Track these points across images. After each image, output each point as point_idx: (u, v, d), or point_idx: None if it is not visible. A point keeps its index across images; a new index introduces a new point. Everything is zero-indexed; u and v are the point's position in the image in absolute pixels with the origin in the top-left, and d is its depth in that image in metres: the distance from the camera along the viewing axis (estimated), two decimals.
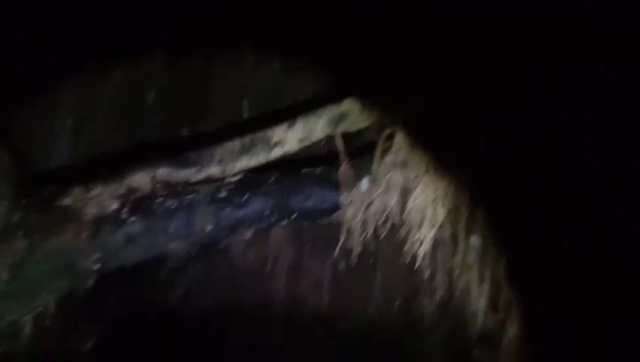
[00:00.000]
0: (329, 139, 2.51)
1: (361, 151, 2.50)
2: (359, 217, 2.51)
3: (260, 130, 2.44)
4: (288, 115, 2.46)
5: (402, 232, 2.53)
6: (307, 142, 2.47)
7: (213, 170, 2.41)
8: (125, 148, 2.45)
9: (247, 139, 2.43)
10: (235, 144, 2.42)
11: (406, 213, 2.48)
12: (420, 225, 2.49)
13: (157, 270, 3.18)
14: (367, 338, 3.34)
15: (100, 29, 2.29)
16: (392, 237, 2.61)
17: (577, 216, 2.15)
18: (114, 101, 2.46)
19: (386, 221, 2.51)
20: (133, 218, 2.28)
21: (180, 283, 3.45)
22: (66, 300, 2.47)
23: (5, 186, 2.21)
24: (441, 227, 2.51)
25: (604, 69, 2.11)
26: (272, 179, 2.45)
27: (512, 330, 2.50)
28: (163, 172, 2.34)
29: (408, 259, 2.57)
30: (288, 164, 2.50)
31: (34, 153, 2.38)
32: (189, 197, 2.35)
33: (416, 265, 2.56)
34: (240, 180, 2.43)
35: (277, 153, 2.47)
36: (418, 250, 2.52)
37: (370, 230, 2.53)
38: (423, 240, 2.51)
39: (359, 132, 2.49)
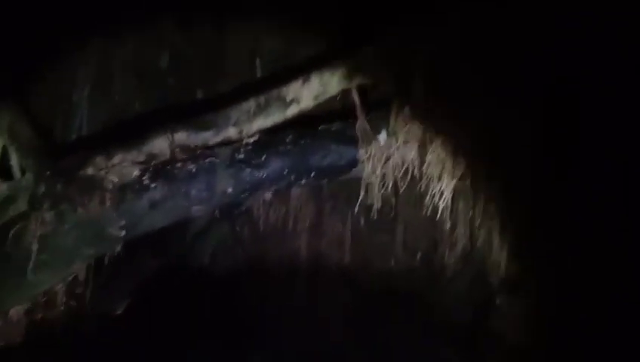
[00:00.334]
0: (345, 93, 2.47)
1: (378, 104, 2.46)
2: (378, 172, 2.49)
3: (275, 88, 2.42)
4: (302, 71, 2.42)
5: (422, 185, 2.51)
6: (322, 98, 2.44)
7: (230, 132, 2.41)
8: (142, 115, 2.45)
9: (261, 98, 2.41)
10: (250, 104, 2.41)
11: (425, 165, 2.45)
12: (440, 177, 2.47)
13: (182, 233, 3.24)
14: (389, 291, 3.40)
15: None
16: (411, 190, 2.60)
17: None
18: (128, 67, 2.45)
19: (405, 174, 2.49)
20: (155, 184, 2.30)
21: (204, 245, 3.52)
22: (96, 267, 2.53)
23: (29, 159, 2.24)
24: (461, 178, 2.49)
25: None
26: (289, 138, 2.43)
27: (534, 278, 2.50)
28: (181, 136, 2.34)
29: (429, 211, 2.56)
30: (304, 122, 2.48)
31: (55, 125, 2.40)
32: (208, 160, 2.35)
33: (437, 216, 2.56)
34: (257, 141, 2.42)
35: (293, 111, 2.45)
36: (438, 201, 2.51)
37: (390, 184, 2.51)
38: (443, 191, 2.49)
39: (375, 85, 2.45)
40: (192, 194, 2.35)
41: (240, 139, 2.41)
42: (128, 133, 2.35)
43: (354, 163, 2.50)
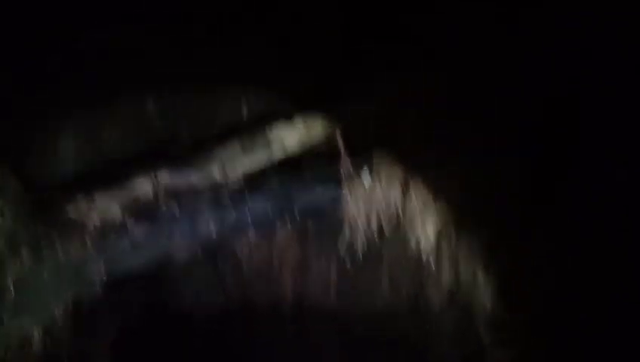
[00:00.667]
0: (329, 136, 2.50)
1: (362, 147, 2.49)
2: (362, 212, 2.50)
3: (259, 130, 2.44)
4: (287, 114, 2.46)
5: (406, 225, 2.52)
6: (307, 141, 2.47)
7: (214, 173, 2.41)
8: (126, 156, 2.45)
9: (246, 140, 2.43)
10: (235, 146, 2.42)
11: (409, 205, 2.47)
12: (423, 218, 2.48)
13: (164, 274, 3.19)
14: (376, 333, 3.35)
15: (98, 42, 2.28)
16: (396, 230, 2.60)
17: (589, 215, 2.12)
18: (113, 110, 2.46)
19: (389, 215, 2.50)
20: (137, 225, 2.29)
21: (187, 287, 3.46)
22: (75, 309, 2.48)
23: (9, 202, 2.22)
24: (444, 219, 2.51)
25: None
26: (274, 179, 2.45)
27: (522, 317, 2.49)
28: (164, 177, 2.34)
29: (414, 252, 2.56)
30: (289, 163, 2.50)
31: (34, 165, 2.38)
32: (192, 201, 2.35)
33: (422, 257, 2.56)
34: (241, 182, 2.43)
35: (277, 152, 2.47)
36: (422, 242, 2.51)
37: (374, 224, 2.52)
38: (427, 232, 2.50)
39: (358, 129, 2.48)
40: (175, 236, 2.34)
41: (224, 180, 2.42)
42: (111, 174, 2.35)
43: (338, 204, 2.51)
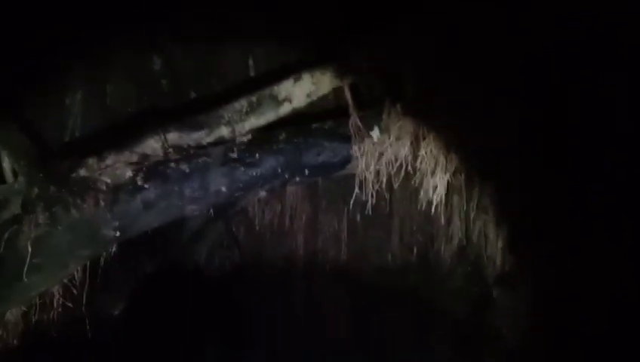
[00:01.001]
0: (337, 92, 2.47)
1: (371, 102, 2.46)
2: (372, 168, 2.49)
3: (267, 87, 2.42)
4: (294, 70, 2.42)
5: (416, 180, 2.51)
6: (315, 97, 2.44)
7: (223, 131, 2.40)
8: (135, 116, 2.45)
9: (254, 97, 2.41)
10: (243, 103, 2.40)
11: (419, 160, 2.45)
12: (434, 172, 2.47)
13: (177, 234, 3.24)
14: (386, 287, 3.40)
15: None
16: (406, 185, 2.60)
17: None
18: (121, 70, 2.44)
19: (399, 170, 2.49)
20: (148, 184, 2.29)
21: (200, 245, 3.51)
22: (92, 268, 2.53)
23: (21, 163, 2.23)
24: (454, 173, 2.49)
25: None
26: (282, 136, 2.43)
27: (529, 271, 2.51)
28: (173, 136, 2.34)
29: (424, 206, 2.56)
30: (298, 120, 2.48)
31: (47, 128, 2.39)
32: (201, 159, 2.35)
33: (432, 211, 2.56)
34: (250, 140, 2.42)
35: (285, 110, 2.45)
36: (433, 196, 2.51)
37: (384, 180, 2.51)
38: (437, 186, 2.50)
39: (367, 83, 2.45)
40: (186, 194, 2.35)
41: (233, 139, 2.41)
42: (121, 134, 2.35)
43: (348, 160, 2.50)
